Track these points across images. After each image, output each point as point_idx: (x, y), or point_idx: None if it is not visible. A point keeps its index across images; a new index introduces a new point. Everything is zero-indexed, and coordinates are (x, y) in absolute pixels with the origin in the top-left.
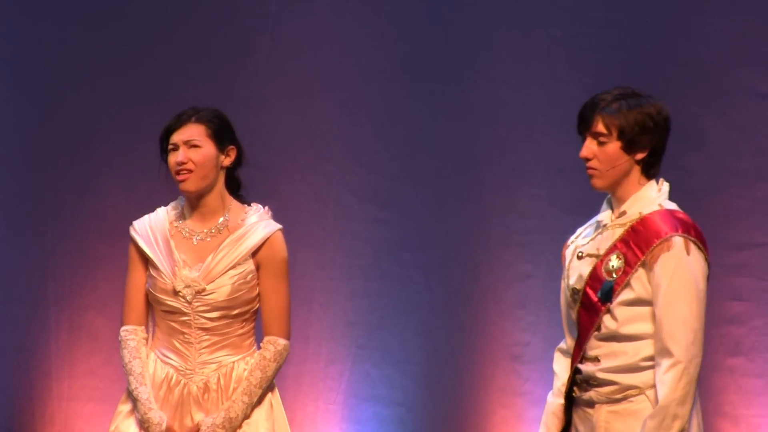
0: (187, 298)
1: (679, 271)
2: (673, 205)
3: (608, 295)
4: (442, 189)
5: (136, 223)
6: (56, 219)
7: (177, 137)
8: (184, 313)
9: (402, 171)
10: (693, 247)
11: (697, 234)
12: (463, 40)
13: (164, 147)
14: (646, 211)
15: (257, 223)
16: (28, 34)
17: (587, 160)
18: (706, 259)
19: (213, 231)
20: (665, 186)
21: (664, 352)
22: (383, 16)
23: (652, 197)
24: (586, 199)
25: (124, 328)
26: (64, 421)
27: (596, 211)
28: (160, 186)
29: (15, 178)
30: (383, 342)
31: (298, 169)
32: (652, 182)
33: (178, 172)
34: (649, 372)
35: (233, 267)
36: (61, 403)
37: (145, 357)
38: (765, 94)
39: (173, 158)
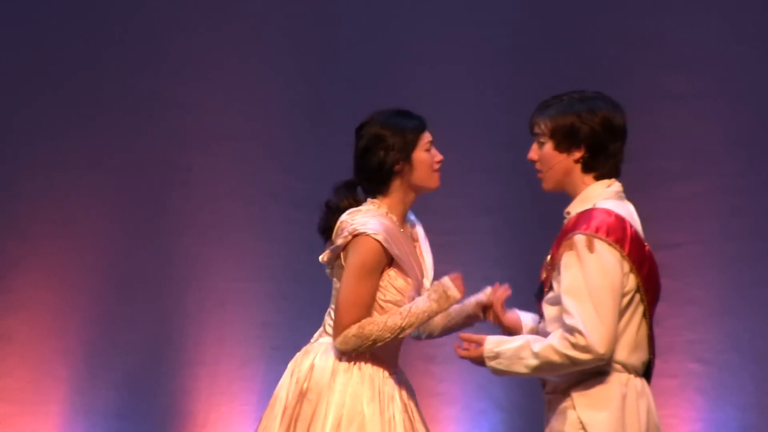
0: None
1: (576, 269)
2: (611, 204)
3: (539, 294)
4: None
5: (378, 233)
6: None
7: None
8: None
9: (318, 171)
10: (599, 245)
11: (611, 232)
12: (381, 41)
13: (413, 143)
14: (580, 211)
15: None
16: None
17: (534, 162)
18: (624, 257)
19: (407, 231)
20: (615, 186)
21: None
22: (300, 17)
23: (591, 197)
24: (503, 199)
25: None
26: None
27: (513, 211)
28: (75, 187)
29: None
30: (298, 343)
31: (214, 169)
32: (601, 182)
33: (437, 170)
34: (574, 372)
35: None
36: None
37: None
38: (677, 95)
39: (435, 156)
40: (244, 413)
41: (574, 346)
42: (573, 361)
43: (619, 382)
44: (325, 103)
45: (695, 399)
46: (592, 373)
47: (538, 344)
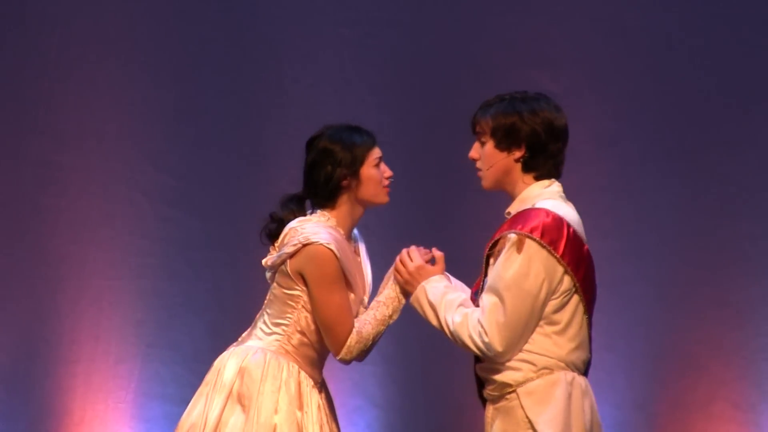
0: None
1: (501, 267)
2: (551, 204)
3: (478, 291)
4: (231, 188)
5: (330, 243)
6: None
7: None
8: None
9: (191, 170)
10: (530, 245)
11: (546, 233)
12: (252, 39)
13: (361, 159)
14: (519, 210)
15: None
16: None
17: (475, 161)
18: (557, 258)
19: (353, 244)
20: (554, 186)
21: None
22: (171, 17)
23: (531, 197)
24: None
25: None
26: None
27: (386, 208)
28: None
29: None
30: (173, 341)
31: (87, 168)
32: (541, 182)
33: (387, 186)
34: (520, 371)
35: None
36: None
37: None
38: (546, 93)
39: (384, 172)
40: (119, 411)
41: (480, 336)
42: (476, 347)
43: (564, 380)
44: (197, 102)
45: None
46: (538, 371)
47: (461, 313)
